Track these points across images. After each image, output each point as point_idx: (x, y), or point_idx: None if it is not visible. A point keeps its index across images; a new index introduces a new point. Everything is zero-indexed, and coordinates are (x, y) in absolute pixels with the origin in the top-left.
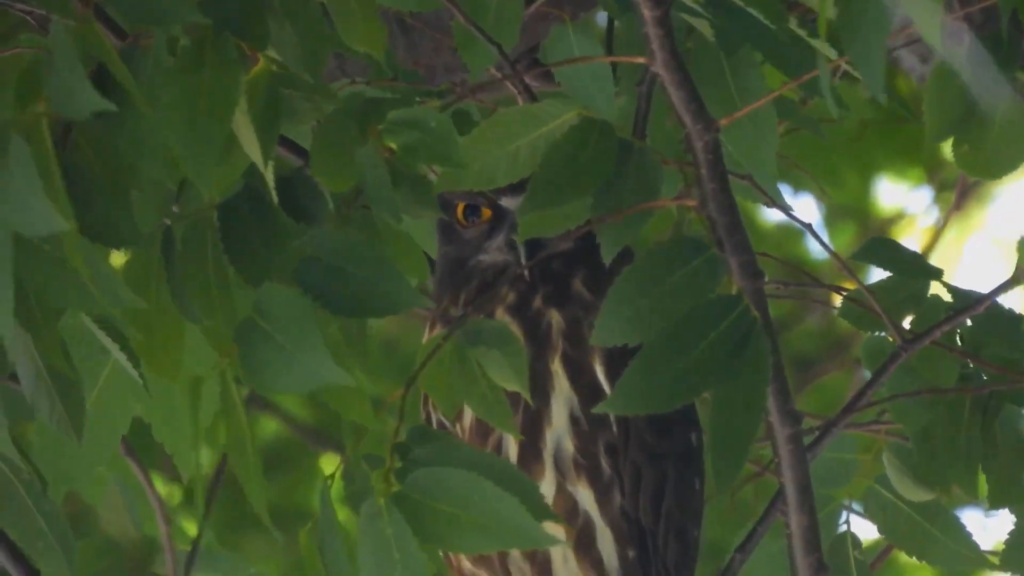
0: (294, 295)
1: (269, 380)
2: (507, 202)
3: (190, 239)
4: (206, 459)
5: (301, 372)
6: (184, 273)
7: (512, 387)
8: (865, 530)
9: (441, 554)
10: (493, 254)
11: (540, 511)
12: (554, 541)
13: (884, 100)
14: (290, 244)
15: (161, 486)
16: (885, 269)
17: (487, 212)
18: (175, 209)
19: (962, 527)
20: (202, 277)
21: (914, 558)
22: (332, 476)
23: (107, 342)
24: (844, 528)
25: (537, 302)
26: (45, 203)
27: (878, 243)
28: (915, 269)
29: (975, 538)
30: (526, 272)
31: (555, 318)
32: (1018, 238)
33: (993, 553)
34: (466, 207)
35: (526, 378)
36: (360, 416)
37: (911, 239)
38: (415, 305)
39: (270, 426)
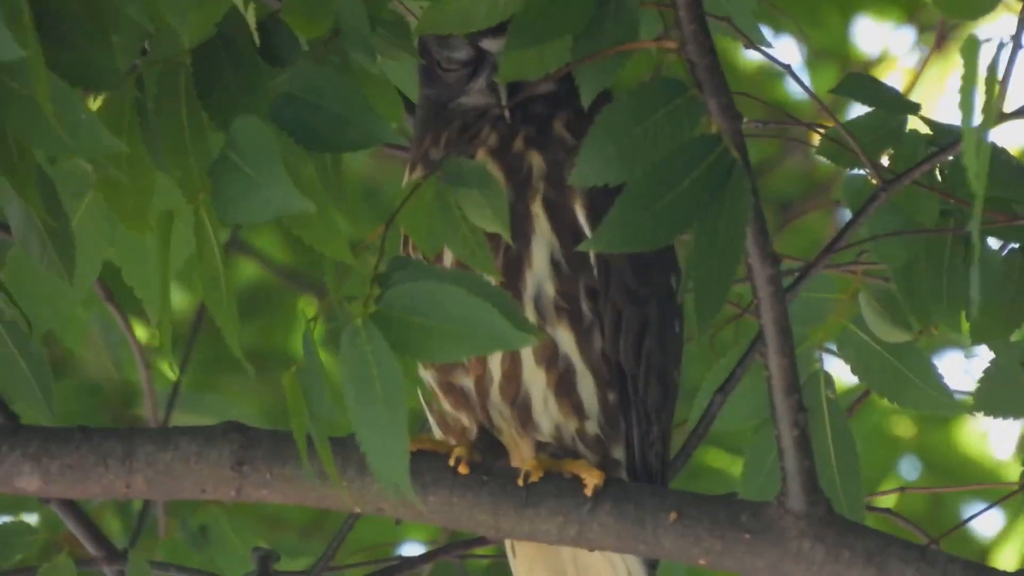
0: (263, 127)
1: (237, 211)
2: (488, 44)
3: (164, 83)
4: (184, 302)
5: (265, 200)
6: (157, 118)
7: (492, 229)
8: (843, 373)
9: (422, 400)
10: (474, 96)
11: (515, 319)
12: (529, 341)
13: None
14: (264, 86)
15: (142, 330)
16: (863, 103)
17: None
18: (149, 51)
19: (935, 370)
20: (176, 121)
21: (885, 399)
22: (315, 318)
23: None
24: (818, 368)
25: (518, 144)
26: (3, 31)
27: (856, 78)
28: (893, 104)
29: (954, 382)
30: (507, 114)
31: (536, 160)
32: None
33: (967, 393)
34: None
35: (506, 220)
36: (334, 251)
37: (893, 79)
38: (387, 140)
39: (249, 269)
